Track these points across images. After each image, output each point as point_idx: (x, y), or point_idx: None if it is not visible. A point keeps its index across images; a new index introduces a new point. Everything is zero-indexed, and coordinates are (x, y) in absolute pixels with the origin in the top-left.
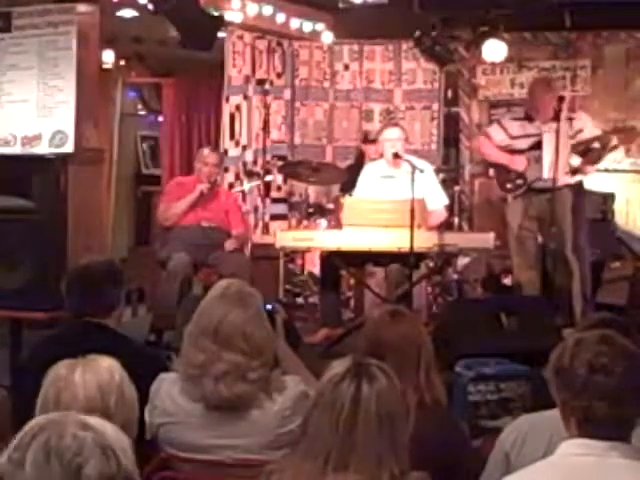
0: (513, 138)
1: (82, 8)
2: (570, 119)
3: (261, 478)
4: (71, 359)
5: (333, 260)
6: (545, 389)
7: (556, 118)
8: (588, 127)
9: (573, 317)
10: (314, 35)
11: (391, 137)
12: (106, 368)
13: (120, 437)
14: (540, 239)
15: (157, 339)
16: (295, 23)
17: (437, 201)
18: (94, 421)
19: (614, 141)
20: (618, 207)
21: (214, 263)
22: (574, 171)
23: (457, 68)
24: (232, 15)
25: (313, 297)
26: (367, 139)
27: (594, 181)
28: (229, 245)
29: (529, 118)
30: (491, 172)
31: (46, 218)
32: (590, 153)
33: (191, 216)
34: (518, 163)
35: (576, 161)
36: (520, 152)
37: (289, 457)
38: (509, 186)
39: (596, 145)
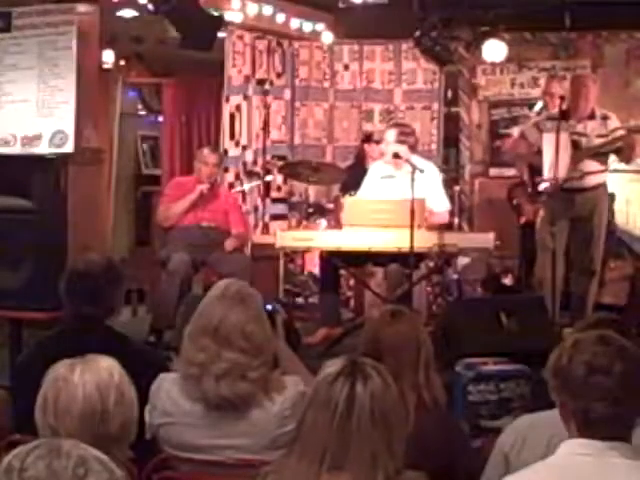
0: None
1: (82, 8)
2: (605, 118)
3: (257, 479)
4: (70, 359)
5: (333, 260)
6: (545, 389)
7: (592, 117)
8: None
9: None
10: (314, 35)
11: (387, 139)
12: (105, 368)
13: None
14: (564, 239)
15: (157, 339)
16: (295, 23)
17: (439, 205)
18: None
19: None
20: (618, 207)
21: (214, 263)
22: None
23: (457, 68)
24: (232, 15)
25: (313, 297)
26: (368, 139)
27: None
28: (229, 244)
29: (565, 117)
30: (502, 170)
31: (46, 218)
32: (622, 152)
33: (191, 216)
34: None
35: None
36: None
37: (285, 457)
38: (537, 184)
39: (619, 144)
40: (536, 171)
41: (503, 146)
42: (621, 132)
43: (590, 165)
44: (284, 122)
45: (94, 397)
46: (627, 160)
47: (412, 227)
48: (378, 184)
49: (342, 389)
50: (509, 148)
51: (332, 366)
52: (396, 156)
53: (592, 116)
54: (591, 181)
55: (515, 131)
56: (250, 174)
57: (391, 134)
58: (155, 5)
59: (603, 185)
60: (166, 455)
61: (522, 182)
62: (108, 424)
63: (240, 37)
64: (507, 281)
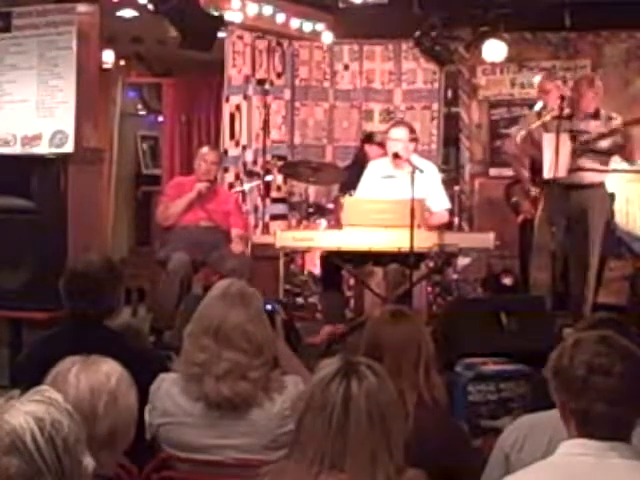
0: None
1: (82, 8)
2: (610, 119)
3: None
4: (77, 356)
5: (333, 260)
6: (545, 389)
7: (595, 116)
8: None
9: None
10: (314, 35)
11: (395, 137)
12: (104, 371)
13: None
14: (561, 237)
15: (157, 339)
16: (295, 23)
17: (439, 204)
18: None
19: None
20: (618, 207)
21: (214, 263)
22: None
23: (457, 68)
24: (232, 15)
25: (313, 297)
26: (369, 139)
27: None
28: (235, 247)
29: (569, 116)
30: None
31: (46, 218)
32: (623, 149)
33: (190, 216)
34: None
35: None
36: None
37: (284, 460)
38: (537, 179)
39: (619, 139)
40: (536, 166)
41: (503, 146)
42: (618, 122)
43: (589, 163)
44: (284, 122)
45: (84, 398)
46: (629, 156)
47: (412, 227)
48: (378, 184)
49: (337, 391)
50: (508, 148)
51: (326, 367)
52: (396, 156)
53: (596, 115)
54: (587, 178)
55: (513, 131)
56: (250, 174)
57: (402, 132)
58: (155, 5)
59: (601, 185)
60: (166, 455)
61: (519, 180)
62: (94, 427)
63: (240, 37)
64: (507, 281)
